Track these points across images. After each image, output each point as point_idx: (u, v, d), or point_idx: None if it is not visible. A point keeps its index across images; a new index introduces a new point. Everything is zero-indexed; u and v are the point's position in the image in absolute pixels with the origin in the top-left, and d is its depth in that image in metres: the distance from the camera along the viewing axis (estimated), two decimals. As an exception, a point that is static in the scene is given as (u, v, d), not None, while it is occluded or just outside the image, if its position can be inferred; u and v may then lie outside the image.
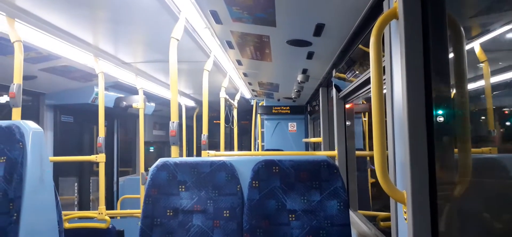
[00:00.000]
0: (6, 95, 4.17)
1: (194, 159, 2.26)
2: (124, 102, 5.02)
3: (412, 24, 1.53)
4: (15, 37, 2.44)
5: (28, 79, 4.00)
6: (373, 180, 4.78)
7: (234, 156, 4.09)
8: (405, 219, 1.51)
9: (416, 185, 1.47)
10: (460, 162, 1.57)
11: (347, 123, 3.36)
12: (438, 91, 1.57)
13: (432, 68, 1.54)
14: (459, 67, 1.57)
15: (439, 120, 1.58)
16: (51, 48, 3.08)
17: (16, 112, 2.44)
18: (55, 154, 4.91)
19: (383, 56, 1.75)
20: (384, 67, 1.75)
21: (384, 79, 1.74)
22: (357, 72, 2.87)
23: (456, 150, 1.62)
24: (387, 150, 1.69)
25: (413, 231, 1.44)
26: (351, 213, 2.96)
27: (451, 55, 1.60)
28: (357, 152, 3.45)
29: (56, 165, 4.97)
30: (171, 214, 2.16)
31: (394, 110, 1.69)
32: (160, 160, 2.25)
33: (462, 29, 1.58)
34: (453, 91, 1.62)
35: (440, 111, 1.61)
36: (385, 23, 1.60)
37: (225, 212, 2.15)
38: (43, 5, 2.42)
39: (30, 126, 2.26)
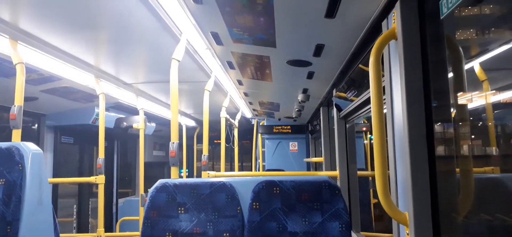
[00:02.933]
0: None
1: (193, 180, 2.24)
2: (125, 123, 5.02)
3: (411, 45, 1.54)
4: (17, 59, 2.46)
5: (29, 101, 4.01)
6: (376, 200, 4.73)
7: (234, 176, 4.06)
8: None
9: (418, 206, 1.45)
10: (462, 182, 1.56)
11: (348, 142, 3.35)
12: (438, 110, 1.57)
13: (432, 88, 1.54)
14: (458, 87, 1.57)
15: (440, 140, 1.57)
16: (53, 70, 3.10)
17: (16, 134, 2.43)
18: (54, 175, 4.88)
19: (383, 76, 1.75)
20: (384, 87, 1.75)
21: (384, 99, 1.75)
22: (357, 91, 2.87)
23: (458, 170, 1.61)
24: (388, 169, 1.68)
25: None
26: (353, 234, 2.91)
27: (450, 75, 1.61)
28: (359, 172, 3.42)
29: (55, 186, 4.93)
30: (170, 236, 2.13)
31: (395, 130, 1.68)
32: (160, 182, 2.23)
33: (460, 49, 1.59)
34: (453, 110, 1.62)
35: (440, 131, 1.61)
36: (384, 44, 1.62)
37: (225, 234, 2.11)
38: (46, 28, 2.45)
39: (29, 147, 2.25)
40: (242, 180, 2.28)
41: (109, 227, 6.26)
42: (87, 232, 5.56)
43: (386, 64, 1.74)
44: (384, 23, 1.75)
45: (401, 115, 1.55)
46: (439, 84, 1.57)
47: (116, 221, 6.30)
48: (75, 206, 5.59)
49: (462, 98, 1.57)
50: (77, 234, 5.16)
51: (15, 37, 2.45)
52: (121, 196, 6.95)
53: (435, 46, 1.56)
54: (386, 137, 1.66)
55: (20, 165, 2.16)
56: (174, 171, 2.65)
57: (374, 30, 1.92)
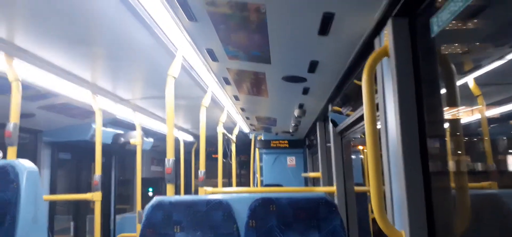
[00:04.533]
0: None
1: (189, 197, 2.22)
2: (122, 139, 5.01)
3: (403, 61, 1.55)
4: (13, 76, 2.46)
5: (26, 117, 4.01)
6: (374, 216, 4.70)
7: (231, 192, 4.04)
8: None
9: (414, 224, 1.44)
10: (459, 198, 1.55)
11: (345, 157, 3.35)
12: (432, 126, 1.57)
13: (425, 104, 1.55)
14: (452, 102, 1.58)
15: (434, 156, 1.57)
16: (50, 86, 3.10)
17: (12, 152, 2.43)
18: (51, 192, 4.85)
19: (376, 92, 1.76)
20: (377, 103, 1.76)
21: (378, 115, 1.75)
22: (353, 106, 2.88)
23: (453, 186, 1.60)
24: (383, 186, 1.68)
25: None
26: (351, 251, 2.89)
27: (443, 91, 1.62)
28: (356, 188, 3.41)
29: (51, 203, 4.89)
30: None
31: (389, 146, 1.68)
32: (156, 199, 2.21)
33: (452, 65, 1.60)
34: (447, 126, 1.63)
35: (435, 147, 1.61)
36: (377, 61, 1.63)
37: None
38: (42, 44, 2.46)
39: (25, 165, 2.25)
40: (238, 197, 2.27)
41: (106, 244, 6.20)
42: (84, 249, 5.50)
43: (380, 81, 1.75)
44: (376, 40, 1.77)
45: (395, 131, 1.55)
46: (432, 100, 1.58)
47: (114, 237, 6.24)
48: (72, 223, 5.54)
49: (456, 114, 1.58)
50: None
51: (11, 53, 2.45)
52: (119, 212, 6.88)
53: (427, 62, 1.57)
54: (381, 153, 1.67)
55: (15, 183, 2.16)
56: (170, 188, 2.63)
57: (367, 46, 1.94)
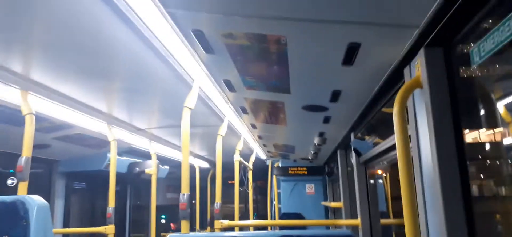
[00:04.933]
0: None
1: (205, 235, 2.10)
2: (137, 168, 4.95)
3: (438, 93, 1.44)
4: (27, 110, 2.42)
5: (41, 148, 3.99)
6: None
7: (248, 225, 3.87)
8: None
9: None
10: (505, 234, 1.40)
11: (370, 188, 3.18)
12: (473, 158, 1.44)
13: (464, 135, 1.42)
14: (492, 131, 1.44)
15: (477, 190, 1.43)
16: (65, 118, 3.07)
17: (23, 187, 2.35)
18: (65, 222, 4.78)
19: (408, 123, 1.64)
20: (409, 135, 1.63)
21: (411, 146, 1.62)
22: (378, 136, 2.74)
23: (498, 219, 1.45)
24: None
25: None
26: None
27: (482, 119, 1.49)
28: (382, 220, 3.21)
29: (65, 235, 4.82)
30: None
31: (424, 179, 1.55)
32: (171, 236, 2.10)
33: (492, 95, 1.47)
34: (489, 157, 1.49)
35: (476, 180, 1.46)
36: (409, 93, 1.51)
37: None
38: (57, 78, 2.42)
39: (35, 200, 2.16)
40: (256, 235, 2.13)
41: (122, 274, 6.08)
42: (98, 281, 5.37)
43: (411, 112, 1.63)
44: (406, 70, 1.65)
45: (431, 164, 1.43)
46: (471, 130, 1.45)
47: (129, 267, 6.11)
48: (86, 253, 5.44)
49: (498, 143, 1.43)
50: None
51: (26, 88, 2.43)
52: (135, 241, 6.79)
53: (465, 93, 1.45)
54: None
55: (24, 221, 2.07)
56: (184, 225, 2.51)
57: (395, 76, 1.82)
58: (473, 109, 1.52)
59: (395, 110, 1.47)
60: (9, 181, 4.17)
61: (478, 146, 1.49)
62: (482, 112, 1.51)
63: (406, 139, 1.44)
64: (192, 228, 7.52)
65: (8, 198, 2.14)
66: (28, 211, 2.09)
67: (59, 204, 4.76)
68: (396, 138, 1.47)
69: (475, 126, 1.50)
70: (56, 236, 4.52)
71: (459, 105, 1.44)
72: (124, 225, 6.29)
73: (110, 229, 3.53)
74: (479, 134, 1.49)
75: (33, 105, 2.52)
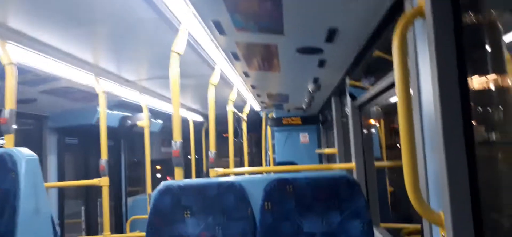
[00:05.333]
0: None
1: (199, 180, 2.08)
2: (129, 121, 4.89)
3: (443, 23, 1.35)
4: (7, 60, 2.32)
5: (28, 103, 3.89)
6: (392, 189, 4.56)
7: (244, 173, 3.90)
8: None
9: (456, 204, 1.25)
10: (508, 174, 1.36)
11: (364, 132, 3.17)
12: (476, 93, 1.38)
13: (468, 69, 1.35)
14: (498, 66, 1.38)
15: (479, 126, 1.38)
16: (49, 70, 2.95)
17: (9, 139, 2.29)
18: (60, 178, 4.77)
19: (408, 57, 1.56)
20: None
21: (410, 83, 1.56)
22: (374, 78, 2.67)
23: (502, 160, 1.41)
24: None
25: None
26: (375, 231, 2.74)
27: (488, 51, 1.41)
28: (376, 163, 3.23)
29: (61, 189, 4.83)
30: None
31: (423, 119, 1.49)
32: (163, 184, 2.08)
33: (499, 24, 1.39)
34: (494, 92, 1.43)
35: (479, 117, 1.41)
36: (410, 23, 1.43)
37: None
38: (37, 26, 2.29)
39: (23, 153, 2.11)
40: (252, 178, 2.12)
41: (119, 227, 6.18)
42: (96, 234, 5.47)
43: (411, 45, 1.55)
44: (407, 2, 1.55)
45: (432, 102, 1.36)
46: (475, 63, 1.38)
47: (126, 220, 6.20)
48: (83, 207, 5.49)
49: (504, 77, 1.37)
50: (86, 236, 5.07)
51: (4, 36, 2.30)
52: (132, 194, 6.85)
53: (471, 23, 1.37)
54: None
55: (13, 173, 2.02)
56: (178, 172, 2.49)
57: (395, 9, 1.72)
58: (478, 44, 1.44)
59: (395, 43, 1.39)
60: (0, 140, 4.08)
61: (483, 84, 1.43)
62: (487, 46, 1.44)
63: (405, 73, 1.36)
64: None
65: None
66: (16, 163, 2.04)
67: (53, 159, 4.72)
68: (395, 73, 1.39)
69: (481, 62, 1.44)
70: (50, 190, 4.54)
71: (464, 36, 1.35)
72: (120, 180, 6.33)
73: (104, 181, 3.52)
74: (484, 71, 1.42)
75: (14, 56, 2.40)
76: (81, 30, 2.38)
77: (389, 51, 1.44)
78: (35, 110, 4.31)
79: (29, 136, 4.55)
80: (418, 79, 1.51)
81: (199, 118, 7.16)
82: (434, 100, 1.34)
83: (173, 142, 2.46)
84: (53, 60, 2.79)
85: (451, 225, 1.24)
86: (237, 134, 6.42)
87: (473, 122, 1.33)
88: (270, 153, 7.29)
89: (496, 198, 1.41)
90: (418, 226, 2.46)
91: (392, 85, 2.14)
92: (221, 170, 3.49)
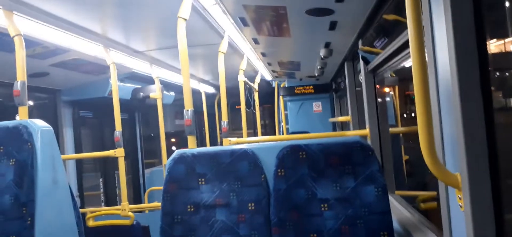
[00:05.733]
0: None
1: (213, 148, 2.08)
2: (141, 93, 4.91)
3: None
4: (14, 31, 2.31)
5: (40, 77, 3.92)
6: (407, 157, 4.50)
7: (257, 142, 3.89)
8: (461, 207, 1.26)
9: (473, 165, 1.20)
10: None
11: (378, 97, 3.09)
12: (495, 55, 1.30)
13: (486, 24, 1.26)
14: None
15: (498, 84, 1.31)
16: (57, 41, 2.95)
17: (23, 111, 2.31)
18: (77, 150, 4.86)
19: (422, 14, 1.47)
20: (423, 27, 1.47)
21: (424, 42, 1.48)
22: (387, 40, 2.58)
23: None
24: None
25: (472, 220, 1.18)
26: (389, 196, 2.71)
27: (507, 4, 1.32)
28: (390, 129, 3.17)
29: (78, 161, 4.93)
30: (192, 209, 2.00)
31: (439, 78, 1.42)
32: (177, 152, 2.09)
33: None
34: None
35: (498, 73, 1.34)
36: None
37: (250, 205, 1.96)
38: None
39: (38, 124, 2.13)
40: (264, 146, 2.11)
41: (138, 198, 6.33)
42: (115, 204, 5.61)
43: (425, 2, 1.46)
44: None
45: (448, 61, 1.29)
46: (495, 24, 1.29)
47: (144, 191, 6.34)
48: (101, 179, 5.62)
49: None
50: (105, 207, 5.20)
51: (10, 7, 2.29)
52: (148, 166, 6.97)
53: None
54: None
55: (29, 144, 2.05)
56: (191, 140, 2.50)
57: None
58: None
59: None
60: (17, 117, 4.18)
61: (502, 44, 1.34)
62: (508, 4, 1.34)
63: (420, 31, 1.27)
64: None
65: (10, 122, 2.11)
66: (32, 134, 2.07)
67: (68, 132, 4.80)
68: (409, 33, 1.31)
69: (500, 21, 1.34)
70: (68, 163, 4.64)
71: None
72: (136, 153, 6.43)
73: (119, 152, 3.58)
74: (504, 31, 1.33)
75: (21, 27, 2.39)
76: None
77: (402, 11, 1.37)
78: (48, 84, 4.35)
79: (44, 110, 4.62)
80: (433, 38, 1.43)
81: (211, 89, 7.14)
82: (450, 60, 1.27)
83: (184, 111, 2.46)
84: (60, 31, 2.78)
85: (468, 187, 1.19)
86: (249, 104, 6.40)
87: (492, 83, 1.26)
88: (283, 123, 7.26)
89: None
90: (433, 193, 2.42)
91: (406, 46, 2.05)
92: (234, 140, 3.49)
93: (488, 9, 1.28)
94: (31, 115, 2.39)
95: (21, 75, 2.29)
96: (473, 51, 1.23)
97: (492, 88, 1.26)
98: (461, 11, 1.24)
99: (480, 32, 1.24)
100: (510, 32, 1.31)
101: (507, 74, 1.45)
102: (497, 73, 1.37)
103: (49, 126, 2.19)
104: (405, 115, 3.99)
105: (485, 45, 1.25)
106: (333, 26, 2.79)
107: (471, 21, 1.24)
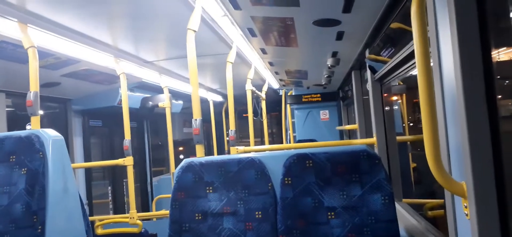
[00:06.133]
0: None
1: (220, 157, 2.11)
2: (150, 102, 4.97)
3: None
4: (28, 43, 2.37)
5: (52, 86, 4.00)
6: (414, 165, 4.48)
7: (264, 150, 3.91)
8: (466, 215, 1.26)
9: (479, 174, 1.21)
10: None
11: (386, 105, 3.10)
12: (499, 63, 1.31)
13: (490, 33, 1.28)
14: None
15: (503, 94, 1.32)
16: (69, 53, 3.02)
17: (35, 121, 2.37)
18: (86, 159, 4.92)
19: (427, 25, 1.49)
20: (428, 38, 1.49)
21: (430, 52, 1.49)
22: (393, 50, 2.59)
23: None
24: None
25: (478, 229, 1.19)
26: (397, 205, 2.71)
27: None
28: (398, 137, 3.17)
29: (88, 170, 4.99)
30: (200, 218, 2.02)
31: (444, 88, 1.43)
32: (185, 161, 2.12)
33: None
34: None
35: (503, 83, 1.34)
36: None
37: (257, 213, 1.98)
38: (55, 8, 2.33)
39: (49, 134, 2.18)
40: (271, 154, 2.13)
41: (146, 206, 6.36)
42: (124, 212, 5.65)
43: (431, 12, 1.48)
44: None
45: (453, 70, 1.30)
46: (499, 33, 1.30)
47: (152, 199, 6.38)
48: (109, 188, 5.67)
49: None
50: (113, 215, 5.24)
51: (24, 20, 2.36)
52: (156, 174, 7.01)
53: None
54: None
55: (41, 153, 2.10)
56: (199, 149, 2.53)
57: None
58: (502, 10, 1.36)
59: (413, 8, 1.32)
60: (28, 127, 4.25)
61: (507, 53, 1.35)
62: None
63: (425, 41, 1.30)
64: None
65: (22, 132, 2.16)
66: (44, 144, 2.12)
67: (78, 141, 4.87)
68: (414, 42, 1.33)
69: (505, 29, 1.35)
70: (77, 171, 4.69)
71: (486, 4, 1.27)
72: (144, 161, 6.48)
73: (128, 160, 3.62)
74: (509, 39, 1.34)
75: (35, 39, 2.46)
76: (98, 11, 2.41)
77: (408, 21, 1.39)
78: (59, 94, 4.43)
79: (54, 119, 4.70)
80: (438, 48, 1.44)
81: (219, 98, 7.19)
82: (455, 70, 1.28)
83: (193, 120, 2.49)
84: (72, 43, 2.85)
85: (473, 195, 1.20)
86: (257, 113, 6.42)
87: (497, 92, 1.27)
88: (290, 131, 7.27)
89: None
90: (441, 200, 2.41)
91: (412, 56, 2.07)
92: (241, 148, 3.51)
93: (493, 18, 1.29)
94: (42, 124, 2.44)
95: (34, 86, 2.35)
96: (478, 60, 1.25)
97: (498, 97, 1.28)
98: (466, 21, 1.26)
99: (485, 41, 1.26)
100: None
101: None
102: (502, 82, 1.38)
103: (60, 135, 2.24)
104: (412, 123, 3.98)
105: (490, 54, 1.26)
106: (340, 36, 2.81)
107: (476, 31, 1.26)
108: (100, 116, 5.30)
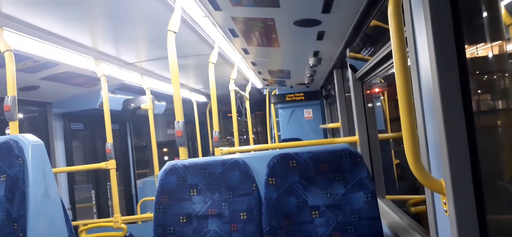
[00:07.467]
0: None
1: (204, 159, 2.10)
2: (132, 104, 4.90)
3: None
4: (4, 46, 2.31)
5: (31, 90, 3.91)
6: (398, 161, 4.55)
7: (248, 151, 3.92)
8: (446, 212, 1.30)
9: (456, 171, 1.24)
10: (507, 138, 1.35)
11: (367, 104, 3.14)
12: (473, 60, 1.35)
13: (464, 33, 1.31)
14: (496, 31, 1.34)
15: (477, 91, 1.36)
16: (47, 55, 2.95)
17: (14, 126, 2.31)
18: (68, 163, 4.83)
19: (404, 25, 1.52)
20: (406, 38, 1.52)
21: (407, 51, 1.53)
22: (373, 49, 2.63)
23: (500, 124, 1.40)
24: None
25: (456, 224, 1.22)
26: (379, 201, 2.75)
27: (485, 14, 1.37)
28: (380, 135, 3.22)
29: (70, 174, 4.90)
30: (184, 220, 2.02)
31: (422, 86, 1.47)
32: (168, 164, 2.11)
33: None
34: (491, 58, 1.40)
35: (477, 81, 1.38)
36: None
37: (242, 214, 1.99)
38: (32, 10, 2.28)
39: (29, 139, 2.14)
40: (255, 155, 2.14)
41: (130, 209, 6.28)
42: (108, 216, 5.57)
43: (407, 12, 1.52)
44: None
45: (429, 68, 1.33)
46: (473, 30, 1.34)
47: (137, 202, 6.31)
48: (93, 191, 5.58)
49: (501, 41, 1.34)
50: (97, 220, 5.16)
51: (0, 23, 2.29)
52: (140, 177, 6.93)
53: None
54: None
55: (20, 159, 2.05)
56: (182, 151, 2.51)
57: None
58: (475, 8, 1.40)
59: (390, 8, 1.35)
60: (7, 131, 4.15)
61: (481, 49, 1.40)
62: (485, 11, 1.39)
63: (402, 41, 1.33)
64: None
65: (1, 138, 2.11)
66: (23, 149, 2.07)
67: (59, 145, 4.77)
68: (392, 42, 1.36)
69: (478, 27, 1.40)
70: (59, 176, 4.60)
71: (459, 3, 1.31)
72: (128, 163, 6.40)
73: (111, 164, 3.57)
74: (482, 36, 1.38)
75: (11, 42, 2.40)
76: (77, 12, 2.36)
77: (387, 20, 1.42)
78: (39, 97, 4.34)
79: (34, 123, 4.60)
80: (415, 47, 1.48)
81: (203, 98, 7.16)
82: (431, 67, 1.31)
83: (175, 123, 2.47)
84: (50, 45, 2.78)
85: (451, 192, 1.23)
86: (241, 113, 6.42)
87: (471, 89, 1.30)
88: (274, 130, 7.29)
89: (496, 164, 1.40)
90: (423, 196, 2.47)
91: (391, 55, 2.11)
92: (226, 149, 3.51)
93: (467, 16, 1.33)
94: (21, 128, 2.39)
95: (11, 90, 2.29)
96: (453, 57, 1.28)
97: (478, 92, 1.31)
98: (441, 20, 1.29)
99: (459, 39, 1.29)
100: (488, 38, 1.37)
101: (486, 80, 1.50)
102: (477, 77, 1.42)
103: (40, 140, 2.20)
104: (394, 120, 4.05)
105: (464, 51, 1.30)
106: (320, 36, 2.83)
107: (450, 29, 1.29)
108: (82, 120, 5.21)
